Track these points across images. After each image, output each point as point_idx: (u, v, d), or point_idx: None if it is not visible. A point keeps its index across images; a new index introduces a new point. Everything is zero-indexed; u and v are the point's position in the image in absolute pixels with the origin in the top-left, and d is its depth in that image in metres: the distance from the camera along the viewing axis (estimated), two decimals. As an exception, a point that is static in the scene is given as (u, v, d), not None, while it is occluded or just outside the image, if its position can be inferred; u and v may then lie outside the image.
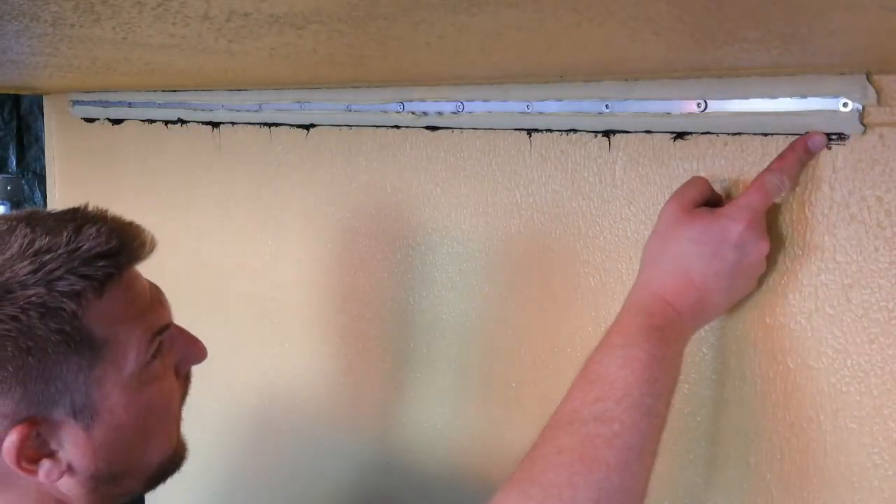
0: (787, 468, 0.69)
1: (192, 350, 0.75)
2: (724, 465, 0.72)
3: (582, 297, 0.81)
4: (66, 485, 0.66)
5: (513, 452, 0.88)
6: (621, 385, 0.58)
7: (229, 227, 1.21)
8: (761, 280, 0.68)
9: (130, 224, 0.69)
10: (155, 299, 0.71)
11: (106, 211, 0.69)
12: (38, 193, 1.92)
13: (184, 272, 1.28)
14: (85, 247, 0.63)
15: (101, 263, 0.64)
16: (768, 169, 0.64)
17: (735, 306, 0.70)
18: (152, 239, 0.70)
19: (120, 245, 0.66)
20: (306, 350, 1.12)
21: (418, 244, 0.95)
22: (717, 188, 0.69)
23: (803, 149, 0.64)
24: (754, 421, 0.70)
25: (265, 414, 1.20)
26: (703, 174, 0.71)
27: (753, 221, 0.62)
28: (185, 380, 0.76)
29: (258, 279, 1.17)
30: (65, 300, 0.61)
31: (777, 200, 0.64)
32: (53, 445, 0.64)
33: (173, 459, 0.74)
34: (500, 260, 0.87)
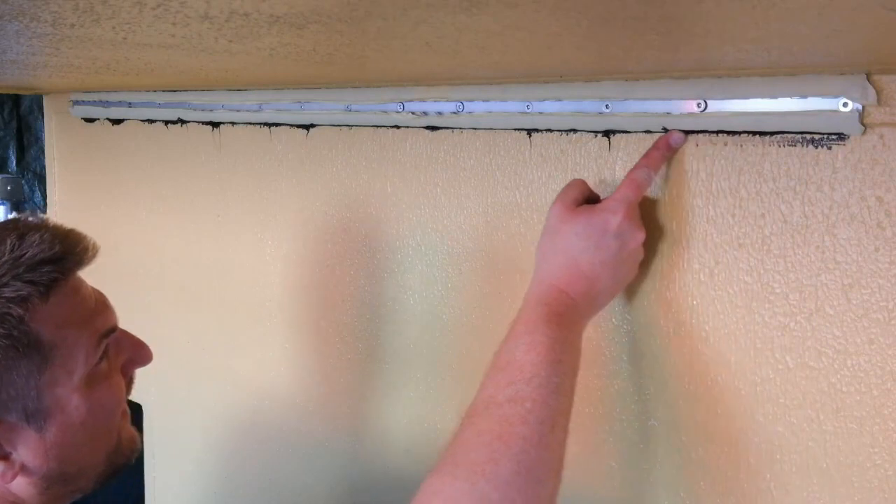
0: (786, 468, 0.69)
1: (139, 353, 0.78)
2: (724, 465, 0.72)
3: (582, 297, 0.81)
4: (20, 485, 0.68)
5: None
6: (529, 368, 0.63)
7: (229, 226, 1.21)
8: (757, 282, 0.68)
9: (72, 231, 0.71)
10: (100, 303, 0.73)
11: (47, 219, 0.72)
12: (38, 193, 1.92)
13: (183, 272, 1.28)
14: (29, 253, 0.66)
15: (45, 269, 0.66)
16: (636, 165, 0.71)
17: (734, 308, 0.70)
18: (94, 244, 0.72)
19: (63, 251, 0.68)
20: (306, 350, 1.12)
21: (418, 244, 0.95)
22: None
23: (665, 146, 0.71)
24: (754, 421, 0.70)
25: (264, 413, 1.20)
26: (702, 174, 0.71)
27: (629, 212, 0.69)
28: (129, 381, 0.79)
29: (258, 279, 1.17)
30: (11, 305, 0.64)
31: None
32: (7, 448, 0.66)
33: (124, 454, 0.76)
34: (500, 260, 0.87)
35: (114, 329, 0.74)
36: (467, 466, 0.58)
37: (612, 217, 0.68)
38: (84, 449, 0.70)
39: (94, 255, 0.72)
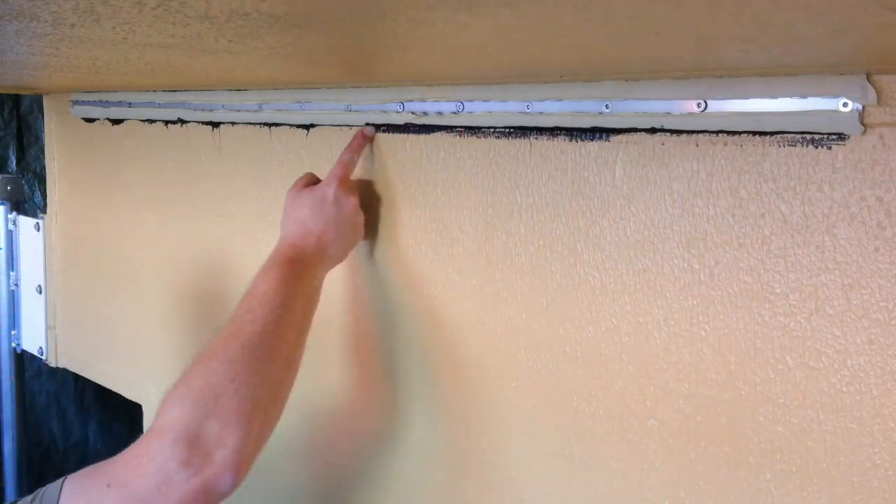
0: (787, 468, 0.69)
1: None
2: (725, 465, 0.72)
3: (582, 297, 0.81)
4: None
5: (516, 454, 0.89)
6: (262, 290, 0.85)
7: (229, 227, 1.21)
8: (757, 282, 0.68)
9: None
10: None
11: None
12: (38, 193, 1.92)
13: (183, 272, 1.28)
14: None
15: None
16: (343, 152, 0.95)
17: (734, 308, 0.70)
18: None
19: None
20: (306, 352, 1.12)
21: (418, 244, 0.95)
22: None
23: (362, 136, 0.97)
24: (754, 421, 0.70)
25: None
26: (702, 174, 0.71)
27: (340, 185, 0.92)
28: None
29: (258, 279, 1.17)
30: None
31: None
32: None
33: None
34: (500, 260, 0.87)
35: None
36: (205, 355, 0.79)
37: (328, 189, 0.92)
38: None
39: None
